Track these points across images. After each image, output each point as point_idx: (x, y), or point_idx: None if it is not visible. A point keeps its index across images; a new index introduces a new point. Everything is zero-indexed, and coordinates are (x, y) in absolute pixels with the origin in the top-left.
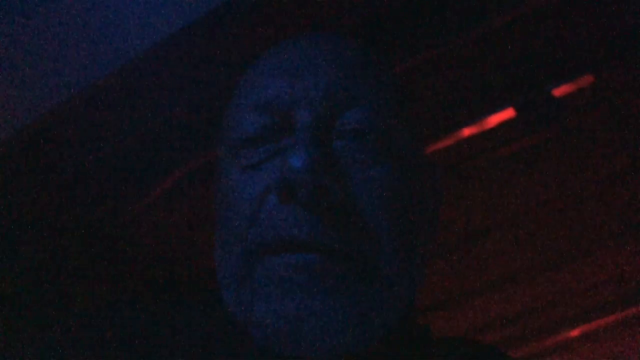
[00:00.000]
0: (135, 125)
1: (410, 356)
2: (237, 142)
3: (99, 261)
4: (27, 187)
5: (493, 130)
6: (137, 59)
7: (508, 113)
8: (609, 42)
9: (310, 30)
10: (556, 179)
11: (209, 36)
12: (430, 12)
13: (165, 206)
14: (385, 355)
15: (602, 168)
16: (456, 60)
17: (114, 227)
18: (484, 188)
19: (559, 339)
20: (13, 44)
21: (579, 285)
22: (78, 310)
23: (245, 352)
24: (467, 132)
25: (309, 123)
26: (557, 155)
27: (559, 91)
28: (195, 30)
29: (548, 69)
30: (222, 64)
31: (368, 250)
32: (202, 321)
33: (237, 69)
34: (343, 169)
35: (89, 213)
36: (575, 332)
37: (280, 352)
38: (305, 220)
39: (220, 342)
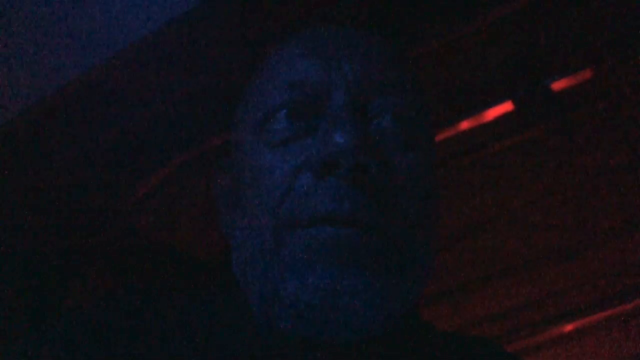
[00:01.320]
0: (132, 114)
1: (414, 349)
2: (263, 118)
3: (97, 251)
4: (22, 176)
5: (491, 123)
6: (137, 45)
7: (507, 106)
8: (608, 36)
9: (307, 20)
10: (554, 173)
11: (206, 23)
12: (428, 5)
13: (163, 194)
14: (390, 348)
15: (601, 162)
16: (454, 54)
17: (111, 216)
18: (482, 181)
19: (552, 334)
20: (5, 29)
21: (574, 280)
22: (76, 302)
23: (252, 336)
24: (465, 125)
25: (347, 104)
26: (555, 149)
27: (557, 85)
28: (193, 17)
29: (547, 63)
30: (221, 52)
31: (399, 232)
32: (207, 309)
33: (237, 57)
34: (378, 152)
35: (85, 202)
36: (569, 327)
37: (305, 333)
38: (346, 195)
39: (224, 330)
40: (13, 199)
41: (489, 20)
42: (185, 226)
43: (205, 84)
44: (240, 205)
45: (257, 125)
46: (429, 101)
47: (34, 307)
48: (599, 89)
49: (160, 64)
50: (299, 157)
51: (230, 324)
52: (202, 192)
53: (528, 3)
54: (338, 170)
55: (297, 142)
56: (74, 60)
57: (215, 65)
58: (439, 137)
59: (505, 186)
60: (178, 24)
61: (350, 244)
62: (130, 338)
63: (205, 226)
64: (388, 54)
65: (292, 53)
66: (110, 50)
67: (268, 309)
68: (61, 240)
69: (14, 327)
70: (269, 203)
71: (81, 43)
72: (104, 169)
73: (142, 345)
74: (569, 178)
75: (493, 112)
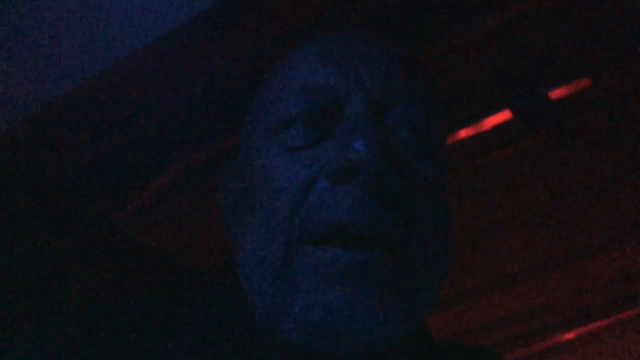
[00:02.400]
0: (132, 122)
1: (413, 358)
2: (278, 123)
3: (96, 258)
4: (23, 184)
5: (490, 131)
6: (135, 56)
7: (505, 115)
8: (606, 45)
9: (311, 25)
10: (553, 181)
11: (208, 33)
12: (425, 14)
13: (161, 203)
14: (389, 357)
15: (599, 170)
16: (453, 62)
17: (110, 224)
18: (481, 190)
19: (555, 341)
20: (8, 42)
21: (574, 288)
22: (75, 308)
23: (255, 346)
24: (463, 133)
25: (366, 110)
26: (553, 157)
27: (556, 93)
28: (194, 27)
29: (545, 71)
30: (223, 61)
31: (415, 245)
32: (202, 318)
33: (237, 65)
34: (397, 161)
35: (85, 210)
36: (570, 335)
37: (310, 348)
38: (366, 205)
39: (226, 338)
40: (16, 203)
41: (487, 29)
42: (185, 233)
43: (208, 91)
44: (250, 211)
45: (271, 130)
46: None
47: (34, 309)
48: (596, 97)
49: (161, 73)
50: (315, 163)
51: (232, 332)
52: (201, 199)
53: (526, 12)
54: (357, 178)
55: (312, 148)
56: (79, 66)
57: (220, 71)
58: None
59: (504, 194)
60: (183, 30)
61: (365, 267)
62: (129, 343)
63: (204, 233)
64: (405, 60)
65: (308, 58)
66: (115, 56)
67: (273, 320)
68: (63, 244)
69: (13, 329)
70: (283, 210)
71: (86, 49)
72: (104, 175)
73: (141, 351)
74: (568, 186)
75: (491, 121)
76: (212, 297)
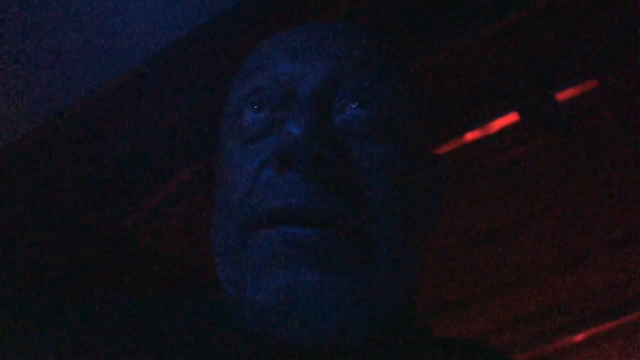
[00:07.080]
0: (136, 130)
1: (410, 354)
2: (234, 113)
3: (100, 266)
4: (29, 191)
5: (497, 134)
6: (138, 65)
7: (512, 117)
8: (613, 46)
9: None
10: (560, 184)
11: (211, 42)
12: (433, 16)
13: (166, 211)
14: (385, 352)
15: (606, 172)
16: (459, 64)
17: (115, 232)
18: (488, 192)
19: (563, 344)
20: (15, 49)
21: (582, 290)
22: (77, 309)
23: (243, 346)
24: (470, 136)
25: (310, 94)
26: (561, 159)
27: (563, 95)
28: (197, 36)
29: (552, 73)
30: (226, 70)
31: (366, 228)
32: (200, 319)
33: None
34: (343, 143)
35: (90, 218)
36: (579, 337)
37: (273, 335)
38: (301, 189)
39: (217, 339)
40: (22, 213)
41: (494, 31)
42: (194, 236)
43: (211, 99)
44: (217, 203)
45: (230, 122)
46: (419, 99)
47: (36, 315)
48: (604, 99)
49: (164, 81)
50: (266, 152)
51: (218, 329)
52: (208, 206)
53: (532, 14)
54: (294, 163)
55: (265, 137)
56: (86, 73)
57: (219, 80)
58: (444, 148)
59: (512, 197)
60: (186, 40)
61: (307, 245)
62: (125, 346)
63: (206, 240)
64: (367, 42)
65: (263, 48)
66: (115, 68)
67: (238, 309)
68: (66, 253)
69: (15, 334)
70: (234, 201)
71: (89, 59)
72: (110, 184)
73: (132, 350)
74: (575, 188)
75: (498, 123)
76: (208, 296)
